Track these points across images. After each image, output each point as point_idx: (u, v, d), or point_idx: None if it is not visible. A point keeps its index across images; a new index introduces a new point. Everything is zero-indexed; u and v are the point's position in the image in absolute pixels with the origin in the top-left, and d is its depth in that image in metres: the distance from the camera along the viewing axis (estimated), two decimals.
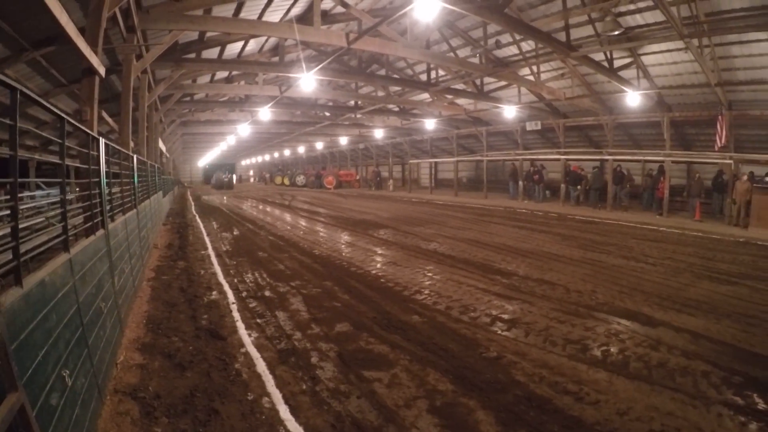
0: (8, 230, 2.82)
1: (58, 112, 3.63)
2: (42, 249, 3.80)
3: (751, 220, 15.69)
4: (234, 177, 62.99)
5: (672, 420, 3.97)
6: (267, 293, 8.09)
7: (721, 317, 6.64)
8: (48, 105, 3.37)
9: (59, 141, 3.81)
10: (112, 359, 4.74)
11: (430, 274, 9.32)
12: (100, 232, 5.09)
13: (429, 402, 4.29)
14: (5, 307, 2.26)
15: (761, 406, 4.23)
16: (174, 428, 3.82)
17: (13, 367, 2.15)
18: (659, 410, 4.13)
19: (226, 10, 14.08)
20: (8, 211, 2.64)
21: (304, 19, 16.78)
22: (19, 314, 2.49)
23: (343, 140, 48.03)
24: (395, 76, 26.64)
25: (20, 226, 2.87)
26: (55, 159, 4.37)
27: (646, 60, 18.24)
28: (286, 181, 59.76)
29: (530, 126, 26.84)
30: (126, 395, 4.28)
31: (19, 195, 3.04)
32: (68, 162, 3.97)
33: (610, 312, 6.87)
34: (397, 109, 30.75)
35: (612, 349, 5.48)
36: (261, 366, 5.05)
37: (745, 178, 16.78)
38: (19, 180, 2.83)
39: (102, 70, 7.32)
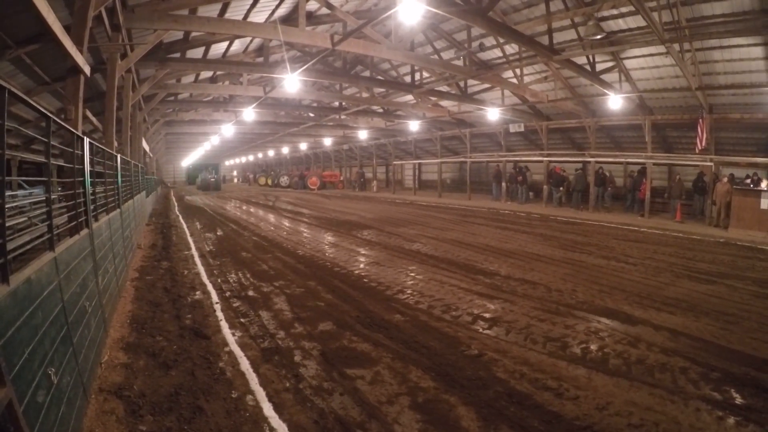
0: None
1: (45, 111, 3.63)
2: (27, 248, 3.80)
3: (731, 221, 15.94)
4: (221, 177, 59.14)
5: (651, 414, 4.06)
6: (251, 293, 8.11)
7: (699, 315, 6.77)
8: (34, 104, 3.39)
9: (45, 140, 3.81)
10: (97, 358, 4.74)
11: (412, 274, 9.39)
12: (84, 231, 5.08)
13: (411, 398, 4.35)
14: None
15: (738, 400, 4.34)
16: (159, 426, 3.84)
17: (1, 362, 2.17)
18: (638, 405, 4.22)
19: (212, 10, 14.04)
20: None
21: (289, 20, 16.77)
22: (5, 311, 2.51)
23: (327, 141, 47.88)
24: (379, 77, 26.67)
25: (6, 224, 2.89)
26: (38, 158, 4.38)
27: (628, 64, 18.48)
28: (270, 182, 59.28)
29: (513, 128, 27.00)
30: (111, 394, 4.29)
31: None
32: (53, 161, 3.97)
33: (590, 310, 6.98)
34: (381, 110, 30.82)
35: (591, 347, 5.58)
36: (245, 364, 5.08)
37: (725, 180, 17.07)
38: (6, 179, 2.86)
39: (87, 70, 7.30)
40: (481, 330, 6.18)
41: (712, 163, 18.28)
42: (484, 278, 9.00)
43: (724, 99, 18.10)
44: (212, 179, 53.62)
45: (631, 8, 13.18)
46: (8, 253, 2.79)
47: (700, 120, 18.19)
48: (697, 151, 18.64)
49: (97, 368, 4.66)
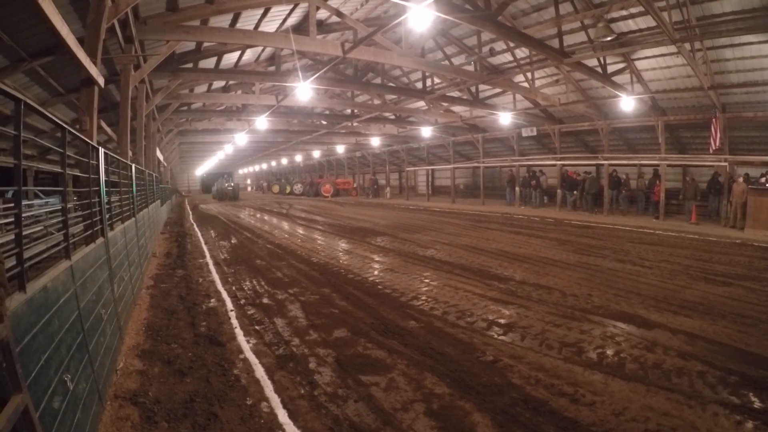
0: (12, 237, 2.87)
1: (60, 122, 3.68)
2: (43, 256, 3.85)
3: (747, 222, 15.73)
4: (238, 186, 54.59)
5: (668, 420, 4.01)
6: (265, 300, 8.13)
7: (717, 318, 6.69)
8: (50, 115, 3.43)
9: (60, 150, 3.86)
10: (112, 365, 4.78)
11: (427, 281, 9.36)
12: (100, 240, 5.14)
13: (426, 405, 4.33)
14: (10, 311, 2.32)
15: (757, 404, 4.27)
16: None
17: (17, 369, 2.20)
18: (655, 410, 4.17)
19: (223, 21, 14.14)
20: (12, 219, 2.73)
21: (300, 29, 16.86)
22: (22, 318, 2.54)
23: (340, 148, 48.01)
24: (391, 84, 26.75)
25: (23, 233, 2.93)
26: (54, 168, 4.43)
27: (640, 65, 18.34)
28: (284, 190, 59.27)
29: (526, 132, 26.90)
30: (126, 400, 4.32)
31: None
32: (68, 171, 4.02)
33: (606, 315, 6.92)
34: (393, 117, 30.82)
35: (608, 352, 5.52)
36: (260, 371, 5.10)
37: (741, 180, 16.87)
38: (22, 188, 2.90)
39: (101, 81, 7.38)
40: (496, 336, 6.15)
41: (726, 163, 18.09)
42: (499, 284, 8.96)
43: (736, 98, 17.88)
44: (229, 188, 50.52)
45: (641, 9, 13.11)
46: (25, 262, 2.82)
47: (714, 119, 17.97)
48: (711, 151, 18.44)
49: (112, 375, 4.70)
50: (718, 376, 4.82)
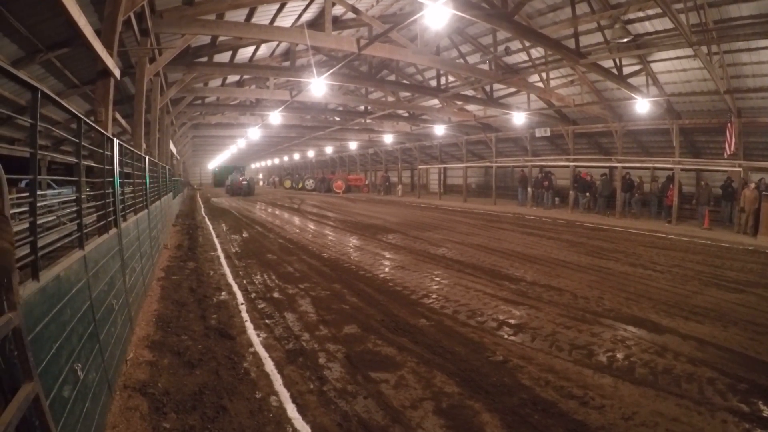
0: (26, 225, 2.88)
1: (76, 113, 3.69)
2: (57, 246, 3.87)
3: (760, 228, 15.55)
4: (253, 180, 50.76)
5: (677, 426, 3.98)
6: (276, 295, 8.16)
7: (728, 325, 6.62)
8: (66, 105, 3.44)
9: (76, 141, 3.87)
10: (123, 356, 4.81)
11: (438, 279, 9.35)
12: (113, 230, 5.17)
13: (435, 403, 4.33)
14: (23, 299, 2.32)
15: (766, 413, 4.22)
16: (182, 424, 3.87)
17: (29, 357, 2.20)
18: (664, 416, 4.14)
19: (239, 15, 14.17)
20: (27, 207, 2.75)
21: (316, 24, 16.84)
22: (35, 307, 2.55)
23: (353, 145, 48.02)
24: (405, 81, 26.67)
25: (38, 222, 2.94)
26: (68, 158, 4.45)
27: (656, 67, 18.17)
28: (297, 185, 59.34)
29: (539, 132, 26.76)
30: (135, 391, 4.34)
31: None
32: (83, 162, 4.04)
33: (616, 318, 6.87)
34: (406, 114, 30.75)
35: (618, 355, 5.48)
36: (269, 365, 5.11)
37: (752, 185, 16.66)
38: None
39: (117, 72, 7.43)
40: (506, 336, 6.12)
41: (740, 169, 17.87)
42: (510, 284, 8.93)
43: (752, 102, 17.66)
44: (243, 182, 46.70)
45: (658, 10, 12.97)
46: (38, 250, 2.83)
47: (729, 124, 17.79)
48: (725, 156, 18.25)
49: (122, 365, 4.72)
50: (727, 383, 4.77)
